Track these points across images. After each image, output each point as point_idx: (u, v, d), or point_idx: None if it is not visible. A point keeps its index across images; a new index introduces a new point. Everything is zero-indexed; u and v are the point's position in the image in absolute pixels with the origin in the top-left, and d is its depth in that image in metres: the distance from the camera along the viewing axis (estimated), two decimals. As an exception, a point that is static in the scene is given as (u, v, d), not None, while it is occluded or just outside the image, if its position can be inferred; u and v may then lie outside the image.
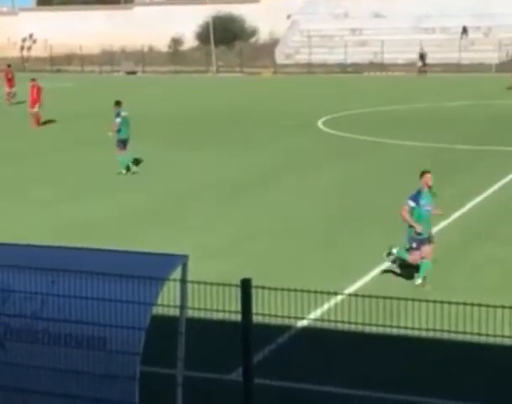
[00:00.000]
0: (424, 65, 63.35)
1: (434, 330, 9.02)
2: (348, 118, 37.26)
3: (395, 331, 10.20)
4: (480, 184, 21.39)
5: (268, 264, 14.85)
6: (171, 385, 7.92)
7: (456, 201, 19.42)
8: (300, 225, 17.89)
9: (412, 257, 13.70)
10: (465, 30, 68.14)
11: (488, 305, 8.18)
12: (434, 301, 8.69)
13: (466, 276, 14.14)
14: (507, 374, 10.27)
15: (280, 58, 73.98)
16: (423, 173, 13.89)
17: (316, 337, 11.28)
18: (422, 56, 63.57)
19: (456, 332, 8.39)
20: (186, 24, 78.67)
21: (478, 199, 19.98)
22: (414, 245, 13.57)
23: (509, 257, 15.17)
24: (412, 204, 13.56)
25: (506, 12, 66.79)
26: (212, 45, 72.94)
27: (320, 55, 69.73)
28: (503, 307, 8.26)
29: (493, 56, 64.39)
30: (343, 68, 67.67)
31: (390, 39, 67.12)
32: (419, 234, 13.52)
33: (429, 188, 13.76)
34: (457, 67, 63.81)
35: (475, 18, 67.56)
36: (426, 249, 13.64)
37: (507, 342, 9.65)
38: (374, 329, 9.59)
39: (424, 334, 10.06)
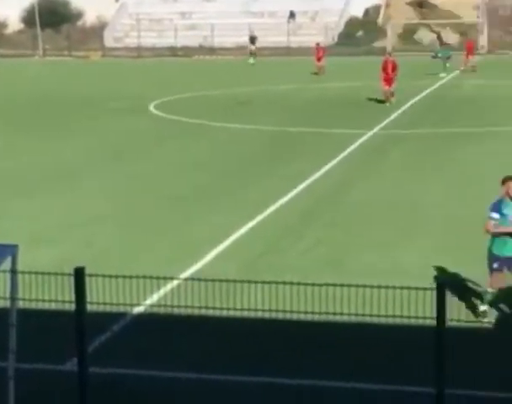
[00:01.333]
0: (254, 48, 64.11)
1: (270, 310, 9.13)
2: (179, 101, 37.24)
3: (231, 313, 10.31)
4: (311, 165, 21.85)
5: (102, 251, 14.62)
6: (2, 378, 7.68)
7: (288, 182, 19.75)
8: (132, 210, 17.71)
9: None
10: (292, 14, 69.41)
11: (320, 284, 8.37)
12: (270, 282, 8.81)
13: (298, 256, 14.40)
14: (343, 349, 10.55)
15: (108, 41, 73.04)
16: (505, 180, 11.46)
17: (152, 322, 11.22)
18: (252, 40, 64.26)
19: (291, 312, 8.53)
20: (10, 7, 76.26)
21: (310, 179, 20.39)
22: (496, 265, 11.08)
23: (336, 239, 15.57)
24: (495, 215, 11.07)
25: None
26: (38, 28, 71.12)
27: (149, 39, 69.33)
28: (334, 285, 8.46)
29: (319, 40, 65.89)
30: (173, 52, 67.51)
31: (219, 22, 67.49)
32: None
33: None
34: (286, 51, 64.94)
35: (302, 3, 68.90)
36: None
37: (338, 319, 9.92)
38: (211, 312, 9.64)
39: (260, 315, 10.21)
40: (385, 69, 34.06)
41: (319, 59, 49.74)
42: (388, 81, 33.70)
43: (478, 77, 44.94)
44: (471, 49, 48.64)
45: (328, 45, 66.39)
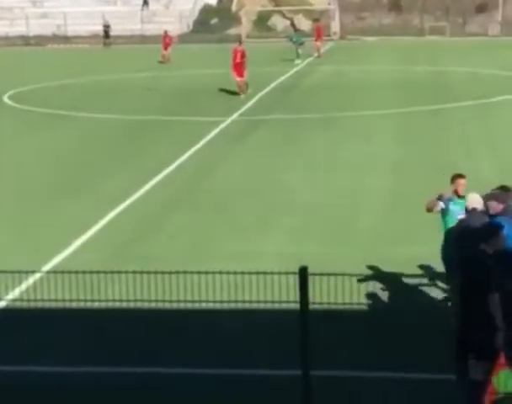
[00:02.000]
0: (108, 37, 63.40)
1: (136, 300, 9.20)
2: (35, 91, 36.50)
3: (96, 304, 10.30)
4: (172, 153, 21.93)
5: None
6: None
7: (151, 170, 19.79)
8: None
9: None
10: (146, 2, 68.94)
11: (184, 272, 8.51)
12: (134, 272, 8.89)
13: (163, 245, 14.48)
14: (208, 336, 10.71)
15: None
16: (454, 178, 11.43)
17: (15, 317, 11.10)
18: (106, 28, 63.55)
19: (156, 301, 8.64)
20: None
21: (172, 167, 20.48)
22: None
23: (199, 226, 15.74)
24: (442, 204, 11.24)
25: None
26: None
27: (0, 28, 67.48)
28: (198, 273, 8.60)
29: (174, 28, 65.74)
30: (25, 41, 65.94)
31: (72, 11, 66.39)
32: None
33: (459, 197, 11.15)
34: (141, 39, 64.49)
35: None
36: None
37: (204, 306, 10.08)
38: (74, 304, 9.62)
39: (124, 305, 10.25)
40: (234, 59, 33.02)
41: (166, 47, 49.06)
42: (239, 71, 32.66)
43: (332, 62, 45.97)
44: (319, 34, 49.40)
45: (182, 32, 66.44)
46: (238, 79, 32.68)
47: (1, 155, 22.55)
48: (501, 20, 62.86)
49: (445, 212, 11.16)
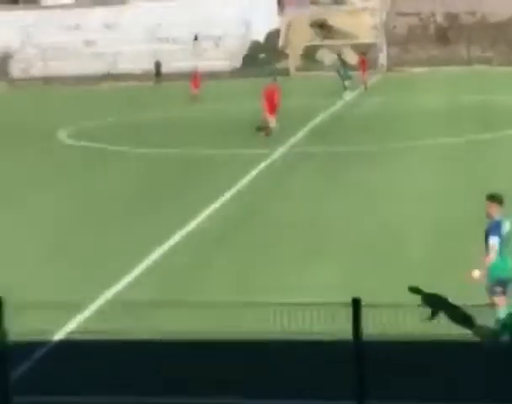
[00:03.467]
0: (159, 74, 64.42)
1: (189, 332, 9.43)
2: (92, 129, 37.23)
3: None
4: (223, 186, 22.05)
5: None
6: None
7: (202, 204, 19.91)
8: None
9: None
10: (197, 39, 69.91)
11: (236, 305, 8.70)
12: (187, 306, 9.11)
13: (213, 277, 14.68)
14: (265, 367, 10.96)
15: (14, 72, 72.45)
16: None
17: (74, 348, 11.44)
18: (157, 66, 64.62)
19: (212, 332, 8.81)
20: None
21: (225, 197, 20.74)
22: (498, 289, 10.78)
23: (254, 260, 15.93)
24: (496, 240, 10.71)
25: (233, 20, 69.40)
26: None
27: (55, 69, 69.02)
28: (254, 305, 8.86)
29: (224, 64, 66.66)
30: (79, 80, 67.32)
31: (124, 50, 67.64)
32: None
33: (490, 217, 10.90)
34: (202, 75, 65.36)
35: (206, 28, 69.55)
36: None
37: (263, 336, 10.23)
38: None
39: (179, 337, 10.47)
40: (270, 96, 31.32)
41: (196, 86, 47.56)
42: (273, 109, 31.04)
43: (379, 94, 46.22)
44: (364, 67, 49.79)
45: (233, 67, 67.24)
46: (271, 117, 31.12)
47: (65, 192, 23.16)
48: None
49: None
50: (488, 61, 61.70)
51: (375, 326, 9.57)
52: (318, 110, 38.35)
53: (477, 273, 10.46)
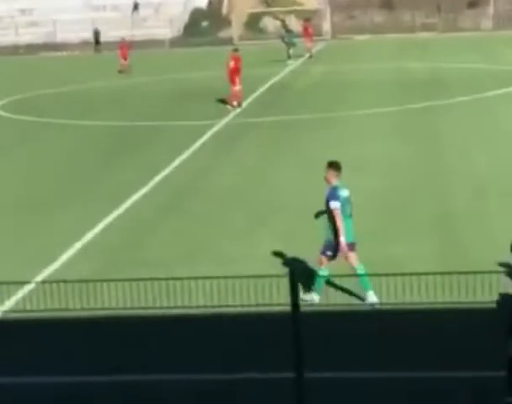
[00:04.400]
0: (99, 43, 63.26)
1: (132, 308, 9.06)
2: (28, 101, 36.34)
3: (98, 312, 10.16)
4: (165, 157, 21.79)
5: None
6: None
7: (145, 175, 19.64)
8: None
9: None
10: (136, 7, 68.86)
11: (175, 278, 8.36)
12: (124, 280, 8.72)
13: (154, 249, 14.31)
14: (203, 339, 10.55)
15: None
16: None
17: (11, 327, 10.96)
18: (96, 35, 63.43)
19: (147, 308, 8.48)
20: None
21: (166, 171, 20.32)
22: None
23: (191, 228, 15.58)
24: (338, 204, 11.39)
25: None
26: None
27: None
28: (194, 278, 8.46)
29: (165, 32, 65.71)
30: (15, 50, 65.80)
31: (62, 18, 66.30)
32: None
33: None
34: (132, 44, 64.35)
35: (145, -5, 68.55)
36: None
37: (195, 311, 9.90)
38: (72, 313, 9.49)
39: (123, 312, 10.10)
40: (232, 66, 30.33)
41: (124, 57, 45.39)
42: (235, 79, 30.15)
43: (324, 62, 45.88)
44: (308, 34, 49.18)
45: (173, 36, 66.34)
46: (236, 88, 30.26)
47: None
48: (493, 14, 62.85)
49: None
50: (432, 28, 61.65)
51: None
52: (263, 79, 37.90)
53: (342, 239, 11.13)
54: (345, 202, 11.36)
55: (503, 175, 18.08)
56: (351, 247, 11.32)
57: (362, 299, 11.19)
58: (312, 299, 11.24)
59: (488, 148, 21.21)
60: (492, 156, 20.15)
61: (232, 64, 30.51)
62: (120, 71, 45.40)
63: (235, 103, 30.15)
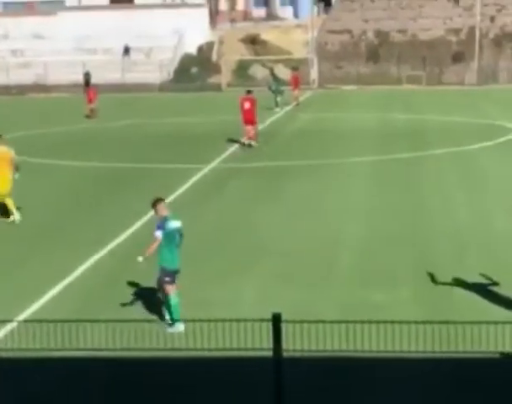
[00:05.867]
0: (89, 85, 63.59)
1: (108, 349, 9.23)
2: (17, 140, 36.45)
3: (73, 353, 10.30)
4: (146, 202, 21.90)
5: None
6: None
7: (128, 218, 19.80)
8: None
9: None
10: (127, 51, 69.39)
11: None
12: (107, 321, 8.92)
13: (140, 292, 14.46)
14: (181, 382, 10.70)
15: None
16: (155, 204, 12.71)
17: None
18: (87, 77, 63.76)
19: (129, 350, 8.63)
20: None
21: (146, 217, 20.50)
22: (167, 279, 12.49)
23: (181, 273, 15.72)
24: (160, 234, 12.42)
25: (165, 33, 69.04)
26: None
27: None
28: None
29: (155, 76, 66.25)
30: (7, 90, 66.10)
31: (53, 60, 66.73)
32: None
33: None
34: (122, 87, 64.83)
35: (136, 39, 69.07)
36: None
37: (177, 354, 10.04)
38: (54, 353, 9.62)
39: (93, 354, 10.26)
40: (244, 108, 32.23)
41: (90, 100, 45.85)
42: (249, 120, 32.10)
43: (311, 110, 46.34)
44: (296, 83, 49.79)
45: (163, 81, 66.89)
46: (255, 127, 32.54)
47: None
48: (477, 69, 63.70)
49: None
50: (417, 80, 62.40)
51: (295, 343, 9.50)
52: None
53: (140, 259, 12.34)
54: (174, 232, 12.41)
55: (481, 228, 18.42)
56: (172, 275, 12.38)
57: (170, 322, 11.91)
58: (177, 329, 11.85)
59: (467, 199, 21.58)
60: (471, 208, 20.51)
61: (247, 105, 32.13)
62: (88, 116, 45.14)
63: (253, 142, 31.96)
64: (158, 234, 12.32)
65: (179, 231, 12.58)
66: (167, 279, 12.36)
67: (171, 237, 12.37)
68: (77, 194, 23.87)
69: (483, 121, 38.45)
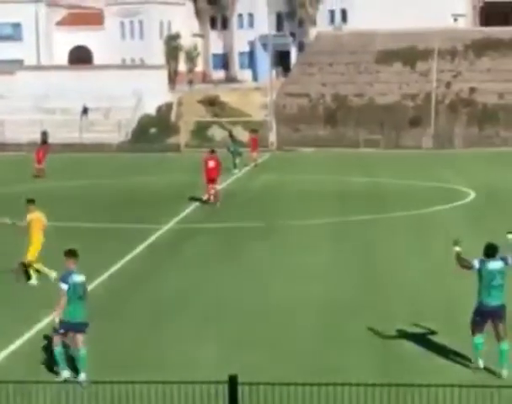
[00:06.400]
0: (46, 144, 63.36)
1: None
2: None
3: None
4: (107, 260, 21.78)
5: None
6: None
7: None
8: None
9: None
10: (85, 111, 69.42)
11: (111, 382, 8.37)
12: (52, 382, 8.74)
13: (95, 355, 14.22)
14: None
15: None
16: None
17: None
18: (44, 136, 63.58)
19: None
20: None
21: (105, 275, 20.31)
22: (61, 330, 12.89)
23: (128, 334, 15.55)
24: (65, 286, 12.97)
25: (123, 94, 69.17)
26: None
27: None
28: (125, 383, 8.47)
29: (113, 137, 66.27)
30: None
31: (11, 119, 66.58)
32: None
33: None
34: (80, 147, 64.73)
35: (95, 100, 69.12)
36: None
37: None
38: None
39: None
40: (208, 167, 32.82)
41: (39, 161, 45.19)
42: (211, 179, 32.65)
43: (269, 172, 46.56)
44: (255, 145, 50.18)
45: (121, 141, 66.92)
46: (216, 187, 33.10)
47: None
48: (433, 133, 64.63)
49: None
50: (375, 144, 63.10)
51: None
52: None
53: (55, 314, 12.88)
54: (77, 286, 12.87)
55: (435, 291, 18.49)
56: (79, 327, 12.78)
57: None
58: (64, 377, 12.42)
59: (423, 262, 21.69)
60: (425, 270, 20.60)
61: (212, 164, 32.82)
62: (36, 176, 44.60)
63: (218, 203, 32.28)
64: (65, 286, 12.84)
65: (83, 286, 13.08)
66: (60, 330, 12.78)
67: (74, 291, 12.82)
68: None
69: (439, 185, 38.88)
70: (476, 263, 12.93)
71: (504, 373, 12.65)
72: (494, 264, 12.86)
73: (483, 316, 12.90)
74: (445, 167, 48.03)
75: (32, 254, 19.68)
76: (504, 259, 12.96)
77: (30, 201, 20.61)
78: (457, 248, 13.25)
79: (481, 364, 12.97)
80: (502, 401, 10.24)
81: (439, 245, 23.97)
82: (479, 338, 12.95)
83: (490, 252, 12.94)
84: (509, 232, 13.83)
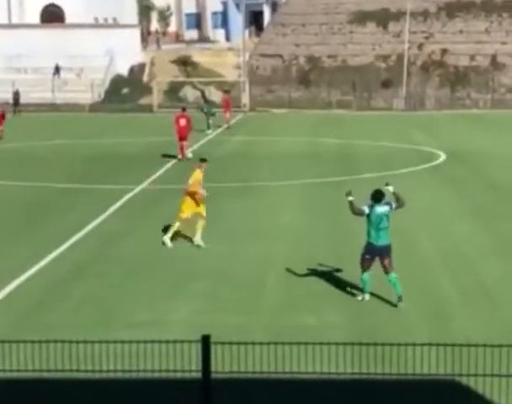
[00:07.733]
0: (18, 104, 62.95)
1: (34, 370, 9.18)
2: None
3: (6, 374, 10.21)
4: (80, 220, 21.86)
5: None
6: None
7: (57, 239, 19.66)
8: None
9: None
10: (57, 70, 68.90)
11: (85, 341, 8.53)
12: (33, 342, 8.89)
13: (66, 313, 14.40)
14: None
15: None
16: None
17: None
18: (16, 96, 63.08)
19: (62, 371, 8.60)
20: None
21: (80, 235, 20.39)
22: None
23: (102, 293, 15.70)
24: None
25: (96, 54, 68.72)
26: None
27: None
28: (99, 342, 8.64)
29: (86, 96, 65.90)
30: None
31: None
32: None
33: None
34: (52, 107, 64.34)
35: (67, 59, 68.63)
36: None
37: (105, 376, 10.09)
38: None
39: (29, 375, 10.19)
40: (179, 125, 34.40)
41: None
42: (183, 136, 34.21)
43: (242, 133, 46.61)
44: (227, 106, 50.17)
45: (94, 101, 66.57)
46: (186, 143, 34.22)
47: None
48: (405, 95, 64.87)
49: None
50: (347, 105, 63.26)
51: (225, 364, 9.53)
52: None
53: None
54: None
55: (404, 249, 18.79)
56: None
57: None
58: None
59: (392, 222, 21.90)
60: (396, 232, 20.83)
61: (183, 122, 34.11)
62: None
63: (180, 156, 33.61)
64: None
65: None
66: None
67: None
68: (7, 213, 23.60)
69: (411, 146, 39.15)
70: (366, 209, 14.55)
71: (401, 305, 14.22)
72: (381, 208, 14.53)
73: (372, 255, 14.48)
74: (416, 129, 48.32)
75: None
76: (388, 204, 14.68)
77: None
78: (350, 198, 14.79)
79: (367, 297, 14.64)
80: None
81: (408, 205, 24.22)
82: (367, 275, 14.55)
83: (378, 196, 14.56)
84: (387, 184, 15.33)
